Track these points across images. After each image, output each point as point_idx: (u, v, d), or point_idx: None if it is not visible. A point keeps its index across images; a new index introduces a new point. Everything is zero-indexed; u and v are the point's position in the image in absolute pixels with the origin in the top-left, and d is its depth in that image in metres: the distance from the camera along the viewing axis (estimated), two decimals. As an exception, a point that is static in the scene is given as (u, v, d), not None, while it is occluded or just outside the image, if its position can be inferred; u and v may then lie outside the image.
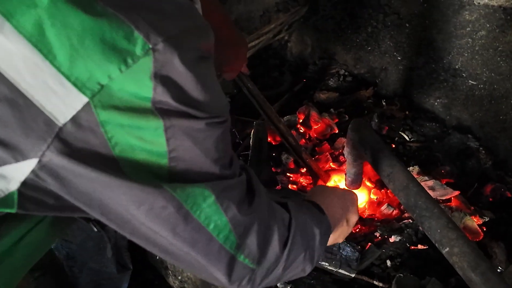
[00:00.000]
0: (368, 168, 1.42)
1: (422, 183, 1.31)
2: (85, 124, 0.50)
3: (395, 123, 1.75)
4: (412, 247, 1.29)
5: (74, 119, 0.50)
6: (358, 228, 1.41)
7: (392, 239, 1.30)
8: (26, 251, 0.76)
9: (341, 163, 1.58)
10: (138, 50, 0.49)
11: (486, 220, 1.36)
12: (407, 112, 1.80)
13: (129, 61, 0.48)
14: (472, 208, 1.39)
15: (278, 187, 1.48)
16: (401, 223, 1.36)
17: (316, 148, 1.67)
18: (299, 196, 1.39)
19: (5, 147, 0.51)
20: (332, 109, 1.78)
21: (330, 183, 1.52)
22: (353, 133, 1.21)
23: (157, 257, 1.42)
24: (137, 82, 0.50)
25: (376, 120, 1.71)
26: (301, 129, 1.73)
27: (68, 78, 0.48)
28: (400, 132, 1.71)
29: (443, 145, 1.66)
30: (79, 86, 0.48)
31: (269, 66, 2.15)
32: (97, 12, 0.48)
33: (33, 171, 0.52)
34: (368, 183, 1.52)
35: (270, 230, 0.68)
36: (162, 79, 0.50)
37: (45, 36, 0.47)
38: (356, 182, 1.38)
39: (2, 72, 0.48)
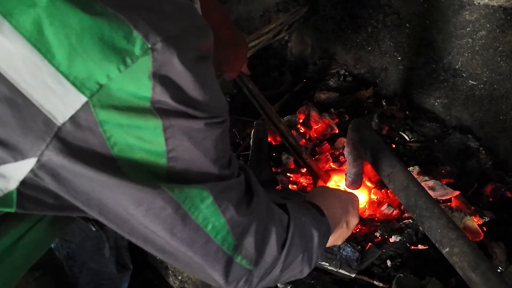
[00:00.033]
0: (368, 168, 1.42)
1: (422, 183, 1.31)
2: (84, 123, 0.50)
3: (395, 123, 1.75)
4: (412, 247, 1.29)
5: (73, 119, 0.50)
6: (358, 228, 1.41)
7: (392, 239, 1.30)
8: (25, 251, 0.76)
9: (341, 163, 1.58)
10: (137, 50, 0.48)
11: (486, 220, 1.36)
12: (407, 112, 1.80)
13: (128, 60, 0.48)
14: (472, 208, 1.39)
15: (278, 187, 1.48)
16: (401, 223, 1.36)
17: (316, 148, 1.67)
18: (299, 196, 1.39)
19: (4, 146, 0.51)
20: (332, 109, 1.78)
21: (331, 183, 1.52)
22: (353, 133, 1.21)
23: (157, 257, 1.42)
24: (136, 82, 0.50)
25: (376, 120, 1.71)
26: (301, 129, 1.73)
27: (67, 77, 0.48)
28: (400, 132, 1.71)
29: (443, 145, 1.66)
30: (78, 85, 0.48)
31: (269, 66, 2.15)
32: (96, 12, 0.48)
33: (32, 171, 0.52)
34: (368, 183, 1.52)
35: (268, 231, 0.68)
36: (161, 78, 0.50)
37: (44, 36, 0.47)
38: (356, 182, 1.38)
39: (1, 72, 0.48)
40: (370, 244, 1.29)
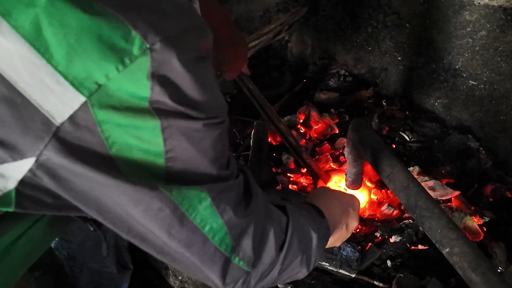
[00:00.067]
0: (368, 168, 1.42)
1: (423, 183, 1.31)
2: (82, 123, 0.50)
3: (395, 123, 1.75)
4: (413, 247, 1.29)
5: (72, 118, 0.50)
6: (358, 228, 1.41)
7: (393, 239, 1.30)
8: (24, 250, 0.76)
9: (341, 163, 1.58)
10: (135, 50, 0.48)
11: (486, 220, 1.36)
12: (407, 112, 1.80)
13: (127, 60, 0.48)
14: (472, 208, 1.39)
15: (279, 187, 1.48)
16: (401, 223, 1.36)
17: (316, 148, 1.67)
18: (299, 196, 1.39)
19: (3, 146, 0.51)
20: (332, 109, 1.78)
21: (331, 183, 1.52)
22: (353, 133, 1.21)
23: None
24: (135, 82, 0.50)
25: (377, 120, 1.71)
26: (301, 129, 1.73)
27: (65, 77, 0.48)
28: (400, 132, 1.71)
29: (443, 145, 1.66)
30: (77, 85, 0.48)
31: (269, 66, 2.15)
32: (95, 11, 0.48)
33: (30, 170, 0.52)
34: (368, 183, 1.52)
35: (267, 233, 0.68)
36: (160, 78, 0.50)
37: (42, 35, 0.47)
38: (357, 182, 1.38)
39: (0, 72, 0.48)
40: (370, 244, 1.29)
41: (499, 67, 1.50)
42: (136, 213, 0.57)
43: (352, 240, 1.30)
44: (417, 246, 1.29)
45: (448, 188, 1.40)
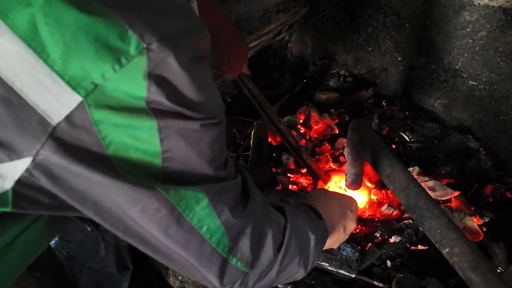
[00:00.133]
0: (368, 168, 1.42)
1: (422, 184, 1.31)
2: (79, 123, 0.50)
3: (395, 123, 1.75)
4: (412, 248, 1.29)
5: (68, 118, 0.50)
6: (358, 228, 1.41)
7: (392, 239, 1.30)
8: (22, 250, 0.76)
9: (341, 164, 1.58)
10: (132, 50, 0.48)
11: (486, 220, 1.36)
12: (407, 113, 1.80)
13: (123, 60, 0.48)
14: (472, 208, 1.39)
15: (279, 187, 1.48)
16: (401, 223, 1.36)
17: (316, 149, 1.67)
18: (299, 196, 1.39)
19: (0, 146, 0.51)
20: (332, 110, 1.78)
21: (331, 184, 1.52)
22: (353, 133, 1.21)
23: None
24: (131, 82, 0.50)
25: (377, 121, 1.72)
26: (301, 130, 1.73)
27: (62, 77, 0.48)
28: (400, 133, 1.71)
29: (443, 145, 1.66)
30: (73, 85, 0.48)
31: (269, 66, 2.15)
32: (92, 11, 0.48)
33: (27, 170, 0.52)
34: (368, 184, 1.52)
35: (264, 234, 0.68)
36: (156, 78, 0.50)
37: (39, 35, 0.47)
38: (356, 182, 1.38)
39: None
40: (370, 244, 1.29)
41: (499, 68, 1.50)
42: (133, 213, 0.57)
43: (352, 240, 1.30)
44: (417, 246, 1.29)
45: (448, 188, 1.40)
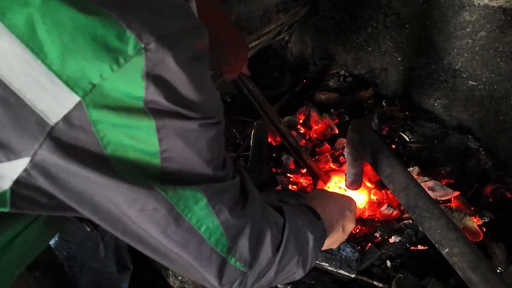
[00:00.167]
0: (368, 168, 1.42)
1: (422, 184, 1.31)
2: (76, 123, 0.50)
3: (395, 123, 1.75)
4: (412, 248, 1.29)
5: (66, 118, 0.50)
6: (358, 228, 1.41)
7: (392, 239, 1.30)
8: (20, 250, 0.76)
9: (341, 164, 1.58)
10: (130, 50, 0.48)
11: (486, 220, 1.36)
12: (407, 113, 1.80)
13: (121, 60, 0.48)
14: (472, 208, 1.39)
15: (278, 187, 1.48)
16: (401, 223, 1.36)
17: (316, 149, 1.67)
18: (299, 196, 1.39)
19: None
20: (332, 110, 1.78)
21: (330, 184, 1.52)
22: (353, 133, 1.21)
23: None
24: (129, 82, 0.50)
25: (376, 121, 1.72)
26: (301, 130, 1.73)
27: (59, 76, 0.48)
28: (400, 133, 1.71)
29: (443, 145, 1.66)
30: (71, 85, 0.48)
31: (269, 66, 2.15)
32: (90, 11, 0.48)
33: (25, 170, 0.52)
34: (368, 184, 1.52)
35: (263, 234, 0.68)
36: (154, 78, 0.50)
37: (36, 35, 0.47)
38: (356, 182, 1.38)
39: None
40: (370, 244, 1.29)
41: (498, 68, 1.50)
42: (131, 213, 0.57)
43: (352, 240, 1.30)
44: (416, 247, 1.29)
45: (448, 188, 1.40)
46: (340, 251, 1.23)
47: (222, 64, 1.14)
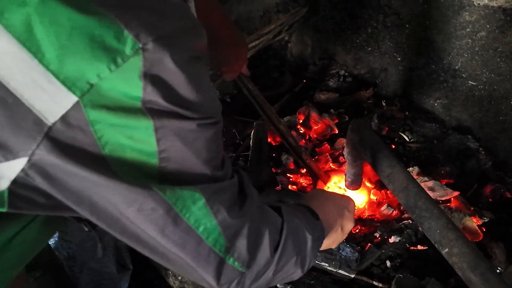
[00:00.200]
0: (368, 168, 1.42)
1: (422, 184, 1.31)
2: (74, 123, 0.50)
3: (395, 123, 1.75)
4: (412, 248, 1.29)
5: (64, 118, 0.50)
6: (357, 228, 1.41)
7: (392, 239, 1.30)
8: (18, 250, 0.76)
9: (341, 164, 1.59)
10: (127, 50, 0.48)
11: (486, 220, 1.36)
12: (407, 113, 1.80)
13: (119, 60, 0.48)
14: (472, 208, 1.39)
15: (278, 187, 1.48)
16: (400, 223, 1.36)
17: (316, 149, 1.67)
18: (299, 196, 1.39)
19: None
20: (332, 110, 1.78)
21: (330, 184, 1.52)
22: (353, 133, 1.21)
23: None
24: (127, 82, 0.50)
25: (376, 121, 1.72)
26: (301, 130, 1.73)
27: (57, 76, 0.48)
28: (400, 133, 1.71)
29: (443, 145, 1.66)
30: (69, 85, 0.48)
31: (269, 66, 2.15)
32: (88, 11, 0.48)
33: (23, 170, 0.52)
34: (368, 184, 1.52)
35: (261, 234, 0.68)
36: (152, 78, 0.50)
37: (34, 35, 0.47)
38: (356, 182, 1.38)
39: None
40: (369, 244, 1.29)
41: (498, 68, 1.50)
42: (129, 213, 0.57)
43: (352, 240, 1.30)
44: (416, 247, 1.29)
45: (448, 188, 1.40)
46: (340, 251, 1.23)
47: (222, 64, 1.14)
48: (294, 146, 1.54)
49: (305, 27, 2.07)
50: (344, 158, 1.35)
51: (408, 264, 1.25)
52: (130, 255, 1.48)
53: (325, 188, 1.49)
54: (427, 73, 1.72)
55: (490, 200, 1.48)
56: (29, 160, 0.52)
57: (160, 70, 0.51)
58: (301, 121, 1.73)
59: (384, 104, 1.83)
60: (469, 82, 1.60)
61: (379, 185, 1.51)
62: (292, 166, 1.60)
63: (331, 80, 1.97)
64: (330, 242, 0.91)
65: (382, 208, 1.43)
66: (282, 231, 0.72)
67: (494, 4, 1.38)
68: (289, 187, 1.52)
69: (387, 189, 1.45)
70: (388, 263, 1.25)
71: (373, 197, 1.51)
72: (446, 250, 0.93)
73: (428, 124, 1.74)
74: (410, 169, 1.47)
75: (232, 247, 0.64)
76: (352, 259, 1.22)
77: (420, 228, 1.30)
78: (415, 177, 1.36)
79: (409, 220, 1.36)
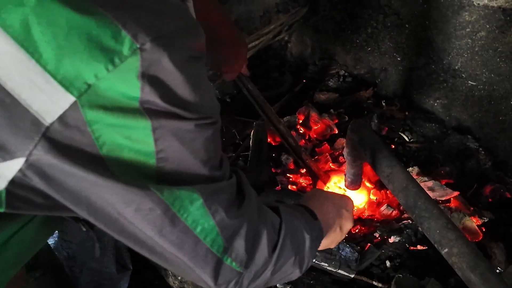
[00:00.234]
0: (367, 168, 1.42)
1: (422, 184, 1.31)
2: (72, 123, 0.50)
3: (394, 123, 1.75)
4: (412, 248, 1.29)
5: (61, 119, 0.50)
6: (357, 228, 1.41)
7: (392, 239, 1.31)
8: (17, 250, 0.76)
9: (340, 164, 1.59)
10: (125, 50, 0.48)
11: (486, 220, 1.36)
12: (406, 113, 1.80)
13: (116, 60, 0.48)
14: (472, 208, 1.39)
15: (278, 187, 1.48)
16: (400, 223, 1.36)
17: (315, 149, 1.67)
18: (298, 197, 1.39)
19: None
20: (332, 110, 1.78)
21: (330, 184, 1.52)
22: (352, 133, 1.21)
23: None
24: (125, 82, 0.49)
25: (376, 121, 1.72)
26: (301, 130, 1.73)
27: (54, 77, 0.48)
28: (399, 133, 1.71)
29: (442, 145, 1.66)
30: (66, 85, 0.48)
31: (269, 66, 2.15)
32: (86, 11, 0.48)
33: (20, 170, 0.52)
34: (367, 184, 1.52)
35: (259, 234, 0.68)
36: (150, 79, 0.50)
37: (31, 35, 0.47)
38: (356, 182, 1.38)
39: None
40: (369, 244, 1.29)
41: (498, 68, 1.50)
42: (127, 213, 0.57)
43: (351, 240, 1.30)
44: (416, 247, 1.29)
45: (447, 188, 1.40)
46: (340, 251, 1.23)
47: (222, 64, 1.14)
48: (293, 146, 1.54)
49: (305, 27, 2.07)
50: (344, 158, 1.35)
51: (407, 264, 1.25)
52: (130, 255, 1.48)
53: (325, 188, 1.49)
54: (427, 73, 1.72)
55: (490, 200, 1.48)
56: (26, 160, 0.52)
57: (158, 70, 0.50)
58: (301, 121, 1.73)
59: (384, 104, 1.83)
60: (469, 82, 1.60)
61: (379, 185, 1.51)
62: (291, 166, 1.60)
63: (331, 80, 1.97)
64: (328, 242, 0.91)
65: (382, 208, 1.43)
66: (280, 231, 0.72)
67: (494, 4, 1.38)
68: (289, 187, 1.52)
69: (387, 189, 1.45)
70: (387, 263, 1.25)
71: (372, 197, 1.51)
72: (446, 250, 0.93)
73: (428, 124, 1.74)
74: (410, 169, 1.47)
75: (230, 247, 0.64)
76: (352, 259, 1.22)
77: (419, 228, 1.29)
78: (415, 177, 1.36)
79: (409, 220, 1.36)
